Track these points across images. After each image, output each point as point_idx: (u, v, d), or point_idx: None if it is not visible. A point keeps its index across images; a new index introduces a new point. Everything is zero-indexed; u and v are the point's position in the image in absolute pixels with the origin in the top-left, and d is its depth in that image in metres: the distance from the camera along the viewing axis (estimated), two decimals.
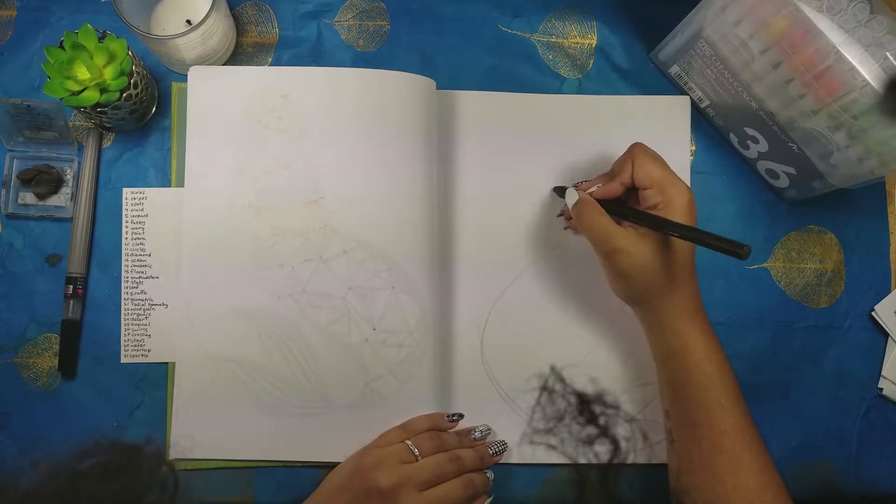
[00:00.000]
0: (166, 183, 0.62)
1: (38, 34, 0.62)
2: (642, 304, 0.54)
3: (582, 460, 0.60)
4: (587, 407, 0.61)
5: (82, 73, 0.54)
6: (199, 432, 0.58)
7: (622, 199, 0.56)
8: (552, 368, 0.62)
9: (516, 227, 0.63)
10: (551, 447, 0.60)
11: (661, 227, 0.51)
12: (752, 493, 0.50)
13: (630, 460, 0.60)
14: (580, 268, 0.63)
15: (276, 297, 0.58)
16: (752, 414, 0.62)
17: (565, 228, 0.63)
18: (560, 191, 0.62)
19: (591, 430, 0.60)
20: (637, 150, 0.54)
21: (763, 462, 0.51)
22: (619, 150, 0.64)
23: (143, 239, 0.60)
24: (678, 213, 0.52)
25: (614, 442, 0.60)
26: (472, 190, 0.63)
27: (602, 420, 0.61)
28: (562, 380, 0.61)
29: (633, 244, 0.52)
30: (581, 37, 0.66)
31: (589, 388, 0.61)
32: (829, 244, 0.66)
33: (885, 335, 0.65)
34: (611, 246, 0.52)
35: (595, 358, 0.62)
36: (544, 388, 0.61)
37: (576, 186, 0.59)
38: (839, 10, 0.50)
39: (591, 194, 0.56)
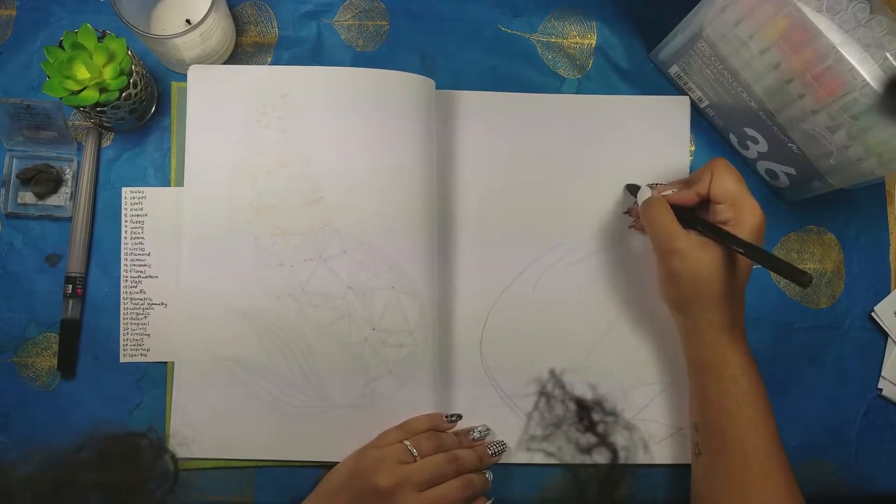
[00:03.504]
0: (166, 182, 0.62)
1: (37, 34, 0.62)
2: (686, 311, 0.54)
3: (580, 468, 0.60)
4: (586, 413, 0.61)
5: (82, 72, 0.54)
6: (198, 432, 0.58)
7: (693, 209, 0.56)
8: (551, 373, 0.61)
9: (516, 227, 0.63)
10: (549, 454, 0.60)
11: (728, 241, 0.51)
12: None
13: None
14: (582, 267, 0.63)
15: (276, 296, 0.58)
16: None
17: (630, 227, 0.63)
18: (633, 188, 0.62)
19: (590, 438, 0.60)
20: (719, 163, 0.54)
21: (791, 483, 0.51)
22: (619, 150, 0.64)
23: (143, 238, 0.60)
24: (747, 232, 0.52)
25: (613, 450, 0.60)
26: (472, 190, 0.63)
27: (600, 428, 0.60)
28: (561, 385, 0.61)
29: (694, 249, 0.52)
30: (581, 37, 0.66)
31: (588, 394, 0.61)
32: (829, 244, 0.66)
33: (885, 335, 0.65)
34: (671, 245, 0.52)
35: (594, 362, 0.62)
36: (542, 392, 0.61)
37: (651, 186, 0.59)
38: (839, 10, 0.50)
39: (664, 196, 0.56)
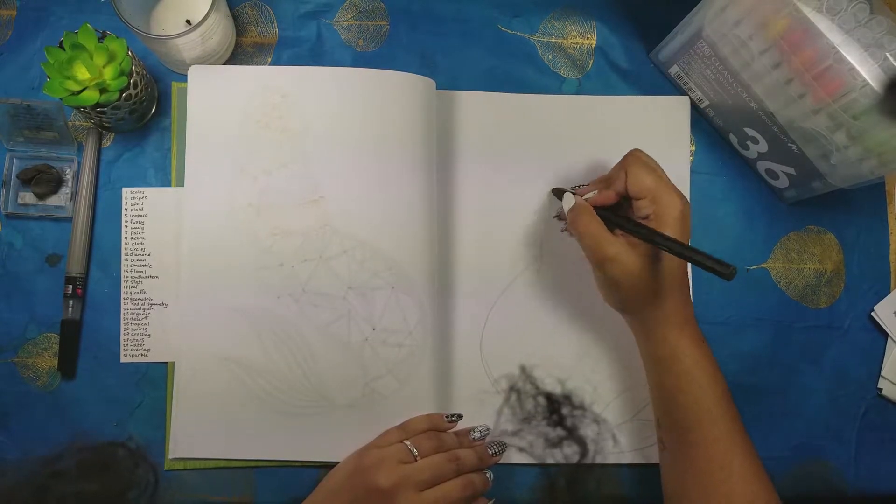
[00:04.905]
0: (166, 183, 0.62)
1: (38, 34, 0.62)
2: (632, 313, 0.54)
3: (550, 461, 0.60)
4: (556, 408, 0.61)
5: (82, 73, 0.54)
6: (198, 432, 0.58)
7: (618, 205, 0.56)
8: (522, 369, 0.62)
9: (516, 227, 0.63)
10: (520, 450, 0.60)
11: (650, 239, 0.51)
12: (744, 500, 0.49)
13: (598, 461, 0.60)
14: (581, 266, 0.63)
15: (276, 296, 0.58)
16: (753, 414, 0.62)
17: (563, 231, 0.63)
18: (558, 192, 0.61)
19: (560, 432, 0.60)
20: (631, 159, 0.54)
21: (754, 470, 0.50)
22: (619, 151, 0.64)
23: (143, 239, 0.60)
24: (670, 224, 0.51)
25: (581, 444, 0.60)
26: (472, 190, 0.63)
27: (569, 422, 0.61)
28: (531, 380, 0.61)
29: (624, 253, 0.51)
30: (581, 37, 0.66)
31: (557, 389, 0.61)
32: (829, 244, 0.66)
33: (885, 335, 0.65)
34: (602, 254, 0.52)
35: (584, 361, 0.62)
36: (513, 388, 0.61)
37: (573, 190, 0.58)
38: (839, 10, 0.50)
39: (587, 200, 0.56)
